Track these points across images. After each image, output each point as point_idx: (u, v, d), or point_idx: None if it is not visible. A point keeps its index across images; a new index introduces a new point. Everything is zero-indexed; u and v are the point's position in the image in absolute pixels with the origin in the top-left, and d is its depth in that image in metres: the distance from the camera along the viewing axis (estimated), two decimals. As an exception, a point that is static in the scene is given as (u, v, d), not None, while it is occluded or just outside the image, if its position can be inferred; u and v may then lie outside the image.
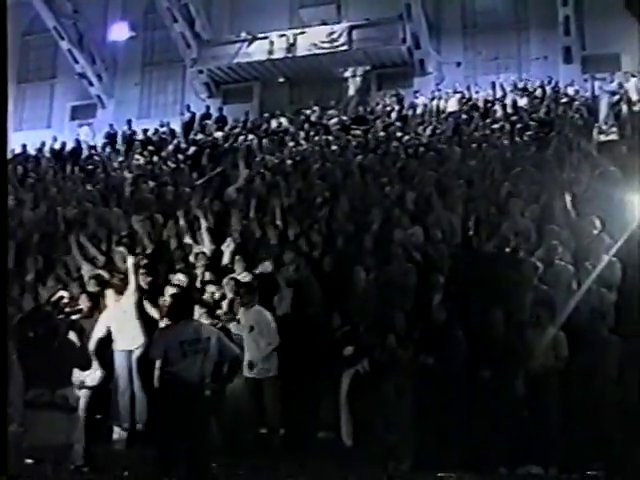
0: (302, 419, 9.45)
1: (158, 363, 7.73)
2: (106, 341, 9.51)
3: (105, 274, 11.26)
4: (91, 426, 9.01)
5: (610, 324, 8.82)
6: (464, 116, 21.04)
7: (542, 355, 8.61)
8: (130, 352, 9.76)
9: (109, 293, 9.92)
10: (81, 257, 12.34)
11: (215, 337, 7.87)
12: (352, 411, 9.20)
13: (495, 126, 19.26)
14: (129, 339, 9.73)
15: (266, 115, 24.96)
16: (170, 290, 10.22)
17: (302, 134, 21.52)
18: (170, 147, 22.65)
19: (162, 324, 9.69)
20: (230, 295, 10.44)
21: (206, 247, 12.08)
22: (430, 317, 9.47)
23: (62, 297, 11.10)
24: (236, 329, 9.74)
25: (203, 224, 12.40)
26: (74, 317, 10.09)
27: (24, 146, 24.75)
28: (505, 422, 8.44)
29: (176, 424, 7.44)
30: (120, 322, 9.68)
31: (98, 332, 9.39)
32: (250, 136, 21.92)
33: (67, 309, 10.50)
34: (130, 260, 10.20)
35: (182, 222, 12.75)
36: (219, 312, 10.26)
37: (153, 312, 10.18)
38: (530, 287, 9.74)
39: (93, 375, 9.02)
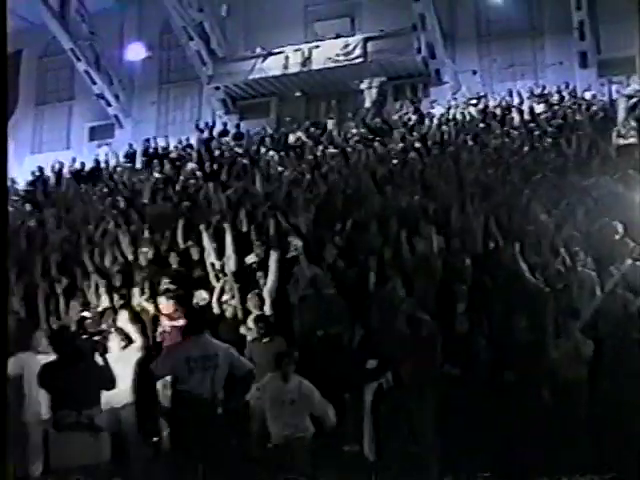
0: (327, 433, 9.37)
1: (168, 380, 7.74)
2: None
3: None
4: (117, 443, 9.02)
5: (636, 328, 8.73)
6: (482, 124, 20.98)
7: (568, 360, 8.57)
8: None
9: (113, 338, 9.71)
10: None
11: (223, 352, 7.83)
12: (376, 425, 9.12)
13: (514, 133, 19.19)
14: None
15: (283, 129, 24.98)
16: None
17: (320, 147, 21.51)
18: (189, 164, 22.69)
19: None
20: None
21: (231, 263, 11.94)
22: (454, 327, 9.42)
23: (85, 317, 11.14)
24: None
25: (228, 238, 12.19)
26: (97, 338, 10.10)
27: (41, 168, 24.63)
28: (532, 430, 8.36)
29: (193, 441, 7.43)
30: None
31: None
32: (270, 152, 21.92)
33: (91, 329, 10.53)
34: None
35: (205, 236, 12.63)
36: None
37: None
38: (553, 293, 9.68)
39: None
